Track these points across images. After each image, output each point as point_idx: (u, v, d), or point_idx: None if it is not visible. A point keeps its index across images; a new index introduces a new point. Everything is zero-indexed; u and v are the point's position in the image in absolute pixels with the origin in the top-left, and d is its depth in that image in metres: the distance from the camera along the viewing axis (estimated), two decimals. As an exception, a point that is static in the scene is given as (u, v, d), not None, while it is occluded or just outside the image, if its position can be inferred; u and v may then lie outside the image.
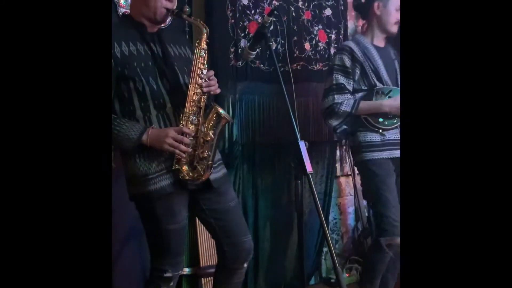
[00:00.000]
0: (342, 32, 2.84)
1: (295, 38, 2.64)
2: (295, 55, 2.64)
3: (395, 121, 2.11)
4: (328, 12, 2.79)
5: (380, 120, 2.10)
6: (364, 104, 2.09)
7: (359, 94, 2.13)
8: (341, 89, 2.12)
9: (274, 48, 2.48)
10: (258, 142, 2.52)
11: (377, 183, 2.10)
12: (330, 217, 2.87)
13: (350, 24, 2.91)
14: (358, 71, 2.13)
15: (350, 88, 2.13)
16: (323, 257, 2.83)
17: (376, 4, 2.18)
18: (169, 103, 1.60)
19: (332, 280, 2.72)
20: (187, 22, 2.20)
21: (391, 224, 2.05)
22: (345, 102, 2.10)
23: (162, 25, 1.71)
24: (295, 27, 2.64)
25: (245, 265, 1.75)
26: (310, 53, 2.70)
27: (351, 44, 2.18)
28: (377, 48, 2.19)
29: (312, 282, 2.76)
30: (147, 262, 2.06)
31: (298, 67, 2.65)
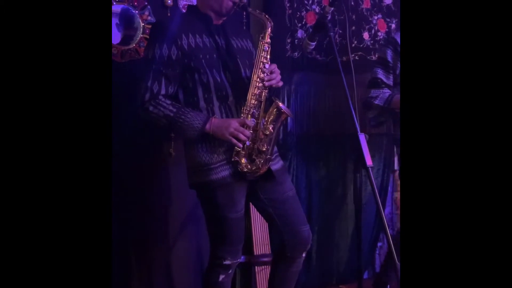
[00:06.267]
0: (403, 21, 2.74)
1: (354, 27, 2.58)
2: (353, 45, 2.58)
3: None
4: (388, 0, 2.70)
5: None
6: (397, 99, 2.08)
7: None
8: (377, 83, 2.12)
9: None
10: (312, 134, 2.51)
11: None
12: (386, 212, 2.80)
13: (412, 13, 2.79)
14: (399, 65, 2.09)
15: (390, 82, 2.12)
16: (377, 251, 2.77)
17: None
18: (231, 95, 1.63)
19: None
20: (245, 13, 2.21)
21: None
22: (380, 96, 2.10)
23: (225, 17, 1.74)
24: (354, 16, 2.58)
25: (304, 254, 1.76)
26: (369, 43, 2.63)
27: (399, 35, 2.12)
28: None
29: (365, 276, 2.72)
30: (204, 249, 2.12)
31: (356, 57, 2.59)
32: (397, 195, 2.81)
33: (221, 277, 1.71)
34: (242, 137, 1.57)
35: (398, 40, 2.11)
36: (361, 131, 1.65)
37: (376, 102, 2.11)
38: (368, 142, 1.72)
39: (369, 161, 1.48)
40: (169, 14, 2.11)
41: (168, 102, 1.59)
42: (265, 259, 2.25)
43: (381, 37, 2.67)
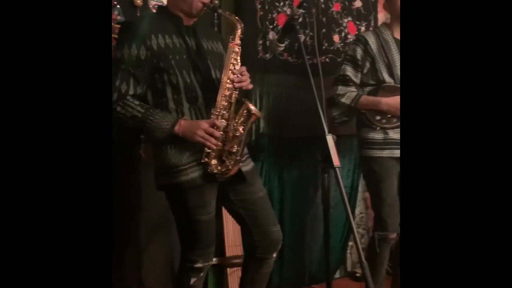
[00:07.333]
0: (372, 24, 2.79)
1: (324, 30, 2.61)
2: (324, 47, 2.61)
3: (395, 120, 2.08)
4: (358, 4, 2.74)
5: (377, 118, 2.09)
6: (364, 99, 2.10)
7: (367, 88, 2.14)
8: (345, 81, 2.13)
9: (302, 40, 2.46)
10: (284, 135, 2.52)
11: (375, 180, 2.14)
12: (356, 211, 2.85)
13: (381, 16, 2.85)
14: (368, 65, 2.12)
15: (357, 80, 2.14)
16: (348, 251, 2.81)
17: None
18: (201, 97, 1.63)
19: (358, 274, 2.71)
20: (216, 15, 2.21)
21: (384, 220, 2.11)
22: (347, 95, 2.12)
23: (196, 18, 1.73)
24: (324, 19, 2.61)
25: (274, 255, 1.77)
26: (339, 46, 2.67)
27: (368, 35, 2.16)
28: (399, 42, 2.13)
29: (337, 275, 2.76)
30: (175, 252, 2.10)
31: (327, 59, 2.62)
32: (367, 194, 2.86)
33: (193, 280, 1.69)
34: (212, 139, 1.57)
35: (368, 39, 2.13)
36: (330, 132, 1.68)
37: (343, 100, 2.12)
38: (338, 143, 1.74)
39: (336, 162, 1.50)
40: (138, 14, 2.09)
41: (136, 102, 1.57)
42: (237, 261, 2.25)
43: (351, 39, 2.71)
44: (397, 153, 2.10)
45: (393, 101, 2.05)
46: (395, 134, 2.10)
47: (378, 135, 2.12)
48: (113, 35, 2.02)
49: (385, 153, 2.11)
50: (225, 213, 2.26)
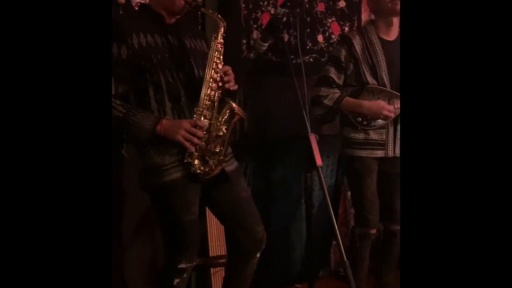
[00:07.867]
0: (356, 24, 2.81)
1: (308, 30, 2.62)
2: (308, 47, 2.62)
3: (373, 123, 2.11)
4: (342, 4, 2.76)
5: (359, 119, 2.12)
6: (346, 101, 2.12)
7: (350, 89, 2.15)
8: (329, 82, 2.14)
9: (286, 40, 2.46)
10: (269, 135, 2.52)
11: (356, 177, 2.19)
12: (341, 210, 2.86)
13: (364, 17, 2.87)
14: (352, 66, 2.13)
15: (340, 81, 2.15)
16: (332, 250, 2.83)
17: None
18: (184, 96, 1.61)
19: (341, 274, 2.72)
20: (200, 13, 2.19)
21: (365, 217, 2.16)
22: (330, 96, 2.13)
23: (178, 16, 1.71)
24: (308, 19, 2.62)
25: (258, 255, 1.76)
26: (323, 46, 2.68)
27: (354, 36, 2.15)
28: (384, 41, 2.13)
29: (321, 275, 2.77)
30: (158, 252, 2.08)
31: (311, 59, 2.63)
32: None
33: (176, 281, 1.68)
34: (193, 138, 1.55)
35: (353, 41, 2.12)
36: (314, 132, 1.69)
37: (326, 101, 2.13)
38: (322, 143, 1.76)
39: (318, 161, 1.51)
40: (121, 12, 2.06)
41: (118, 102, 1.55)
42: (221, 261, 2.24)
43: (335, 39, 2.73)
44: (376, 153, 2.14)
45: (374, 105, 2.08)
46: (375, 135, 2.13)
47: (359, 135, 2.14)
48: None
49: (365, 152, 2.14)
50: (208, 213, 2.25)
